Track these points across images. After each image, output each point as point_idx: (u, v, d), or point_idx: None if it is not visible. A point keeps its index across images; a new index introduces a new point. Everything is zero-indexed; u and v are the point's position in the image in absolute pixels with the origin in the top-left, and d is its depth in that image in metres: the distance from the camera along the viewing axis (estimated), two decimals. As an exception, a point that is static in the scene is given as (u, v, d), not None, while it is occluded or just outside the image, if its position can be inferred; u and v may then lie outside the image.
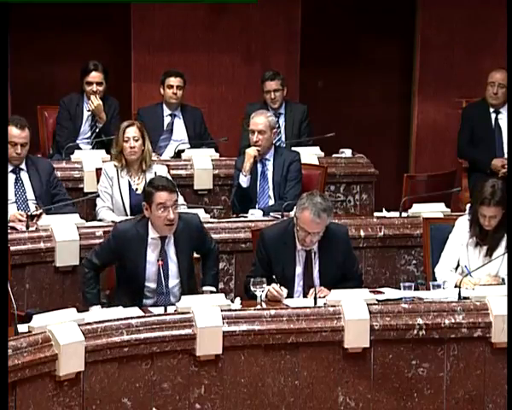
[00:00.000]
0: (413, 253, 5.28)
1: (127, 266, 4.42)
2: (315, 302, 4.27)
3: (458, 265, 4.63)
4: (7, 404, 3.44)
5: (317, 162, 5.97)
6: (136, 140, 5.26)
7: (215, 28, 6.96)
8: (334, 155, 6.20)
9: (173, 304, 4.18)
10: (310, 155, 5.99)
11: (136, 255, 4.38)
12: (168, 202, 4.35)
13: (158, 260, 4.38)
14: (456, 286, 4.46)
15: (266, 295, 4.34)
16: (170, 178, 5.35)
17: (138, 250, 4.38)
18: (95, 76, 6.15)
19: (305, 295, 4.43)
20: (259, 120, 5.53)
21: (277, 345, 4.16)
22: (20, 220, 4.99)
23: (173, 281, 4.44)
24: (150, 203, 4.39)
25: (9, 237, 4.75)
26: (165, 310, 4.15)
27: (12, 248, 4.54)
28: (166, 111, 6.34)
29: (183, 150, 6.10)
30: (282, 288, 4.35)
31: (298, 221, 4.41)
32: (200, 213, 5.19)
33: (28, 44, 6.83)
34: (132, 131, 5.26)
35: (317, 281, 4.49)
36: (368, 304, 4.23)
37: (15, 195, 5.18)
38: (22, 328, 3.79)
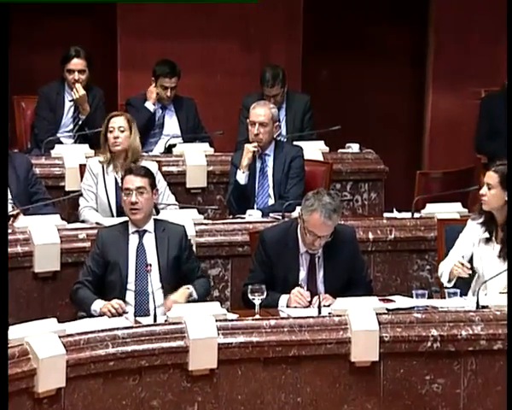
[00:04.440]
0: (426, 257, 5.27)
1: (110, 263, 4.47)
2: (319, 311, 4.27)
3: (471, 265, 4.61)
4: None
5: (321, 158, 5.97)
6: (122, 131, 5.27)
7: (211, 13, 6.96)
8: (340, 151, 6.20)
9: (155, 310, 4.18)
10: (313, 150, 5.98)
11: (117, 250, 4.47)
12: (132, 186, 4.50)
13: (147, 266, 4.39)
14: (449, 280, 4.45)
15: (288, 303, 4.34)
16: (160, 175, 5.37)
17: (119, 245, 4.48)
18: (76, 63, 6.14)
19: (308, 304, 4.41)
20: (261, 111, 5.52)
21: (278, 358, 4.15)
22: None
23: (156, 284, 4.45)
24: (122, 191, 4.55)
25: (-18, 239, 4.74)
26: (155, 319, 4.13)
27: (-14, 252, 4.51)
28: (157, 103, 6.32)
29: (174, 145, 6.09)
30: (306, 292, 4.35)
31: (305, 224, 4.40)
32: (193, 213, 5.19)
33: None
34: (119, 121, 5.28)
35: (321, 288, 4.48)
36: (377, 313, 4.23)
37: (-11, 194, 5.16)
38: (-3, 340, 3.77)
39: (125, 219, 4.63)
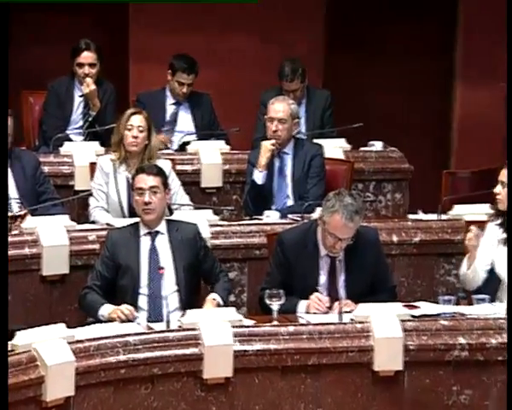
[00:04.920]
0: (453, 261, 5.25)
1: (121, 266, 4.47)
2: (340, 318, 4.25)
3: (492, 267, 4.59)
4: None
5: (342, 157, 5.95)
6: (141, 131, 5.27)
7: (227, 4, 6.96)
8: (363, 149, 6.18)
9: (168, 316, 4.18)
10: (334, 148, 5.97)
11: (128, 252, 4.48)
12: (145, 186, 4.51)
13: (159, 269, 4.39)
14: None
15: (307, 309, 4.34)
16: (173, 174, 5.38)
17: (130, 247, 4.49)
18: (87, 56, 6.15)
19: (327, 309, 4.41)
20: (280, 107, 5.52)
21: (296, 367, 4.15)
22: (1, 222, 5.00)
23: (170, 288, 4.45)
24: (134, 190, 4.57)
25: (-11, 241, 4.77)
26: (168, 325, 4.14)
27: (-8, 254, 4.54)
28: (170, 99, 6.34)
29: (188, 142, 6.10)
30: (325, 297, 4.35)
31: (326, 226, 4.40)
32: (208, 214, 5.20)
33: (11, 22, 6.84)
34: (138, 120, 5.28)
35: (342, 293, 4.47)
36: (401, 320, 4.22)
37: (-4, 192, 5.19)
38: (4, 346, 3.79)
39: (136, 219, 4.64)
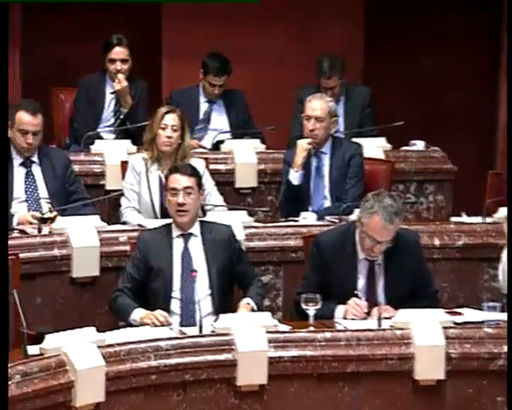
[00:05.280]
0: (498, 266, 5.20)
1: (153, 269, 4.48)
2: (379, 324, 4.24)
3: None
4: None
5: (382, 156, 5.94)
6: (175, 130, 5.28)
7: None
8: (404, 148, 6.16)
9: (201, 321, 4.18)
10: (374, 147, 5.95)
11: (160, 255, 4.48)
12: (179, 186, 4.50)
13: (191, 272, 4.40)
14: None
15: (345, 315, 4.34)
16: (207, 173, 5.39)
17: (162, 250, 4.49)
18: (119, 52, 6.19)
19: (365, 315, 4.40)
20: (317, 105, 5.51)
21: (334, 375, 4.14)
22: (30, 223, 5.04)
23: (203, 291, 4.46)
24: (166, 190, 4.56)
25: (19, 242, 4.81)
26: (201, 330, 4.15)
27: (21, 255, 4.59)
28: (203, 96, 6.35)
29: (222, 141, 6.11)
30: (364, 302, 4.34)
31: (365, 228, 4.38)
32: (243, 216, 5.20)
33: (43, 19, 6.91)
34: (172, 119, 5.29)
35: (381, 298, 4.45)
36: (443, 327, 4.20)
37: (26, 192, 5.24)
38: (33, 350, 3.82)
39: (168, 220, 4.66)
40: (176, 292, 4.49)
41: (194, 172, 4.60)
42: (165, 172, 5.03)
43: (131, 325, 4.34)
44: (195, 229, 4.58)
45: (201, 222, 4.62)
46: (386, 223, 4.35)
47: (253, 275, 4.64)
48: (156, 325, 4.27)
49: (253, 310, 4.47)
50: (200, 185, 4.61)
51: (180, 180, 4.53)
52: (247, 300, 4.51)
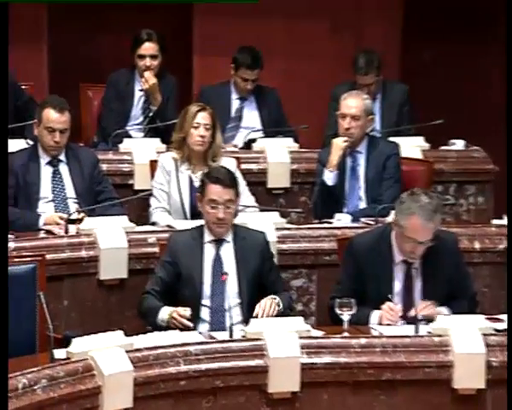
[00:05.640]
0: (541, 271, 5.16)
1: (183, 274, 4.48)
2: (416, 330, 4.22)
3: None
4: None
5: (420, 156, 5.91)
6: (207, 129, 5.28)
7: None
8: (443, 148, 6.13)
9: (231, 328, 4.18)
10: (412, 147, 5.93)
11: (191, 260, 4.48)
12: (220, 199, 4.48)
13: (222, 275, 4.41)
14: None
15: (380, 320, 4.33)
16: (238, 173, 5.40)
17: (193, 255, 4.49)
18: (148, 48, 6.22)
19: (400, 319, 4.38)
20: (353, 103, 5.50)
21: (369, 382, 4.13)
22: (57, 223, 5.08)
23: (233, 299, 4.46)
24: (203, 196, 4.54)
25: (45, 243, 4.86)
26: (231, 335, 4.16)
27: (48, 256, 4.62)
28: (235, 93, 6.36)
29: (254, 140, 6.12)
30: (398, 306, 4.32)
31: (404, 231, 4.36)
32: (275, 217, 5.20)
33: (70, 13, 6.96)
34: (204, 118, 5.29)
35: (419, 301, 4.43)
36: (483, 334, 4.18)
37: (53, 192, 5.27)
38: (59, 354, 3.85)
39: (199, 222, 4.67)
40: (206, 300, 4.48)
41: (234, 183, 4.57)
42: (199, 175, 5.05)
43: (160, 328, 4.33)
44: (228, 234, 4.56)
45: (234, 226, 4.59)
46: (426, 222, 4.33)
47: (281, 287, 4.59)
48: (180, 326, 4.25)
49: (278, 305, 4.43)
50: (238, 193, 4.60)
51: (222, 193, 4.49)
52: (273, 296, 4.47)
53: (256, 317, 4.33)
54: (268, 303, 4.41)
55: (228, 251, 4.55)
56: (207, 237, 4.55)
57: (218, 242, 4.54)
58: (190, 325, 4.32)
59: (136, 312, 4.59)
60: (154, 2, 6.87)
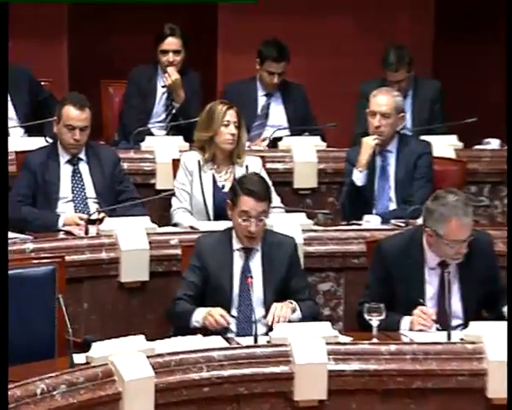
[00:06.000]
0: None
1: (212, 283, 4.46)
2: (448, 337, 4.21)
3: None
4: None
5: (453, 156, 5.89)
6: (237, 127, 5.28)
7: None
8: (477, 147, 6.11)
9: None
10: (444, 146, 5.91)
11: (220, 268, 4.46)
12: (253, 212, 4.43)
13: (247, 278, 4.40)
14: None
15: (411, 326, 4.31)
16: (264, 173, 5.39)
17: (222, 262, 4.47)
18: (171, 43, 6.23)
19: (441, 324, 4.35)
20: (383, 100, 5.48)
21: (399, 391, 4.12)
22: (77, 224, 5.09)
23: (258, 309, 4.44)
24: (234, 205, 4.50)
25: (65, 244, 4.88)
26: (256, 341, 4.16)
27: (67, 258, 4.64)
28: (261, 90, 6.36)
29: (280, 138, 6.11)
30: (430, 310, 4.31)
31: (443, 239, 4.33)
32: (301, 218, 5.20)
33: (92, 8, 6.98)
34: (234, 115, 5.28)
35: (457, 306, 4.42)
36: (519, 341, 4.15)
37: (72, 192, 5.29)
38: (79, 358, 3.87)
39: (226, 224, 4.65)
40: (233, 311, 4.45)
41: (268, 194, 4.52)
42: (223, 174, 5.06)
43: (194, 332, 4.29)
44: (257, 243, 4.51)
45: (264, 231, 4.52)
46: (464, 219, 4.32)
47: (308, 294, 4.54)
48: (213, 329, 4.24)
49: (294, 311, 4.40)
50: (271, 203, 4.56)
51: (255, 206, 4.44)
52: (289, 300, 4.43)
53: (268, 323, 4.31)
54: (279, 307, 4.38)
55: (256, 260, 4.52)
56: (236, 244, 4.51)
57: (248, 251, 4.50)
58: (228, 320, 4.29)
59: (168, 319, 4.53)
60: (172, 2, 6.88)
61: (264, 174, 5.38)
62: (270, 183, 5.36)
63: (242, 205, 4.45)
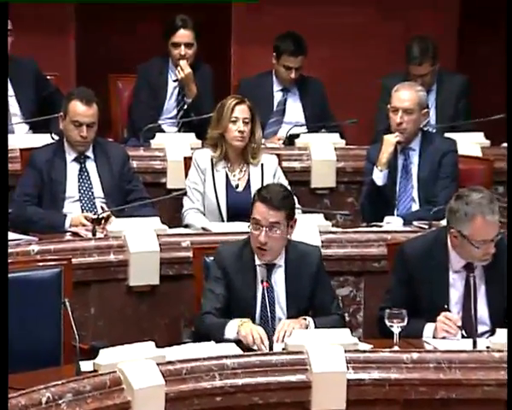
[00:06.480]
0: None
1: (235, 298, 4.40)
2: (474, 344, 4.20)
3: None
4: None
5: (480, 154, 5.89)
6: (247, 123, 5.27)
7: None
8: (504, 145, 6.08)
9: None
10: (470, 143, 5.90)
11: (244, 284, 4.40)
12: (263, 221, 4.36)
13: (262, 282, 4.38)
14: None
15: (435, 334, 4.31)
16: (280, 172, 5.38)
17: (245, 278, 4.40)
18: (183, 35, 6.24)
19: (466, 331, 4.35)
20: (406, 95, 5.48)
21: (421, 401, 4.11)
22: (84, 225, 5.11)
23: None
24: (251, 213, 4.44)
25: (71, 245, 4.89)
26: (271, 348, 4.16)
27: (74, 260, 4.64)
28: (277, 85, 6.37)
29: (297, 135, 6.12)
30: (455, 315, 4.31)
31: (470, 239, 4.32)
32: (319, 219, 5.20)
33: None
34: (243, 111, 5.27)
35: (483, 310, 4.42)
36: (548, 350, 4.14)
37: (79, 191, 5.31)
38: (86, 366, 3.88)
39: (240, 226, 4.63)
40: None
41: (285, 204, 4.37)
42: (237, 173, 5.06)
43: (197, 341, 4.26)
44: (280, 258, 4.44)
45: (286, 244, 4.44)
46: (490, 217, 4.32)
47: (335, 308, 4.48)
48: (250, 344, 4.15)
49: (306, 327, 4.34)
50: (291, 216, 4.40)
51: (266, 214, 4.34)
52: (304, 317, 4.37)
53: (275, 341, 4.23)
54: (286, 323, 4.30)
55: (279, 276, 4.44)
56: (258, 259, 4.43)
57: (269, 266, 4.42)
58: (266, 345, 4.16)
59: (195, 334, 4.44)
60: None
61: (280, 173, 5.40)
62: (286, 182, 5.36)
63: (254, 212, 4.39)
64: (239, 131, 5.26)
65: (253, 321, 4.36)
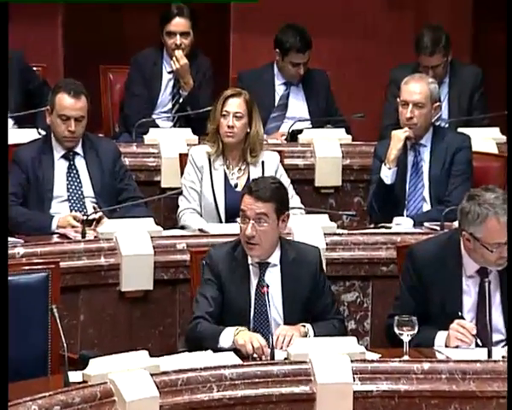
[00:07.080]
0: None
1: (228, 302, 4.39)
2: (489, 354, 4.20)
3: None
4: None
5: (495, 151, 5.90)
6: (239, 117, 5.28)
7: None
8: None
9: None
10: (485, 139, 5.92)
11: (236, 285, 4.40)
12: (249, 212, 4.36)
13: (263, 287, 4.37)
14: None
15: (447, 342, 4.31)
16: (282, 169, 5.39)
17: (237, 279, 4.40)
18: (178, 23, 6.25)
19: (480, 340, 4.34)
20: (416, 88, 5.48)
21: (433, 414, 4.13)
22: (72, 226, 5.11)
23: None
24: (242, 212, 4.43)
25: (59, 248, 4.90)
26: (272, 357, 4.16)
27: (62, 264, 4.65)
28: (279, 78, 6.37)
29: (300, 131, 6.13)
30: (470, 323, 4.31)
31: (483, 241, 4.33)
32: (324, 220, 5.20)
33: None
34: (235, 105, 5.28)
35: (499, 316, 4.41)
36: None
37: (68, 190, 5.32)
38: (74, 376, 3.87)
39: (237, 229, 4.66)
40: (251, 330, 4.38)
41: (273, 196, 4.37)
42: (235, 171, 5.06)
43: (198, 349, 4.23)
44: (275, 257, 4.44)
45: (282, 243, 4.45)
46: (504, 217, 4.32)
47: (335, 312, 4.49)
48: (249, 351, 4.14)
49: (305, 335, 4.33)
50: (281, 210, 4.38)
51: (251, 205, 4.34)
52: (303, 324, 4.37)
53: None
54: (285, 330, 4.30)
55: (274, 276, 4.43)
56: (250, 258, 4.42)
57: (262, 265, 4.42)
58: (266, 352, 4.15)
59: (186, 341, 4.43)
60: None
61: (281, 171, 5.40)
62: (288, 181, 5.39)
63: (242, 204, 4.39)
64: (228, 126, 5.25)
65: (248, 322, 4.37)
